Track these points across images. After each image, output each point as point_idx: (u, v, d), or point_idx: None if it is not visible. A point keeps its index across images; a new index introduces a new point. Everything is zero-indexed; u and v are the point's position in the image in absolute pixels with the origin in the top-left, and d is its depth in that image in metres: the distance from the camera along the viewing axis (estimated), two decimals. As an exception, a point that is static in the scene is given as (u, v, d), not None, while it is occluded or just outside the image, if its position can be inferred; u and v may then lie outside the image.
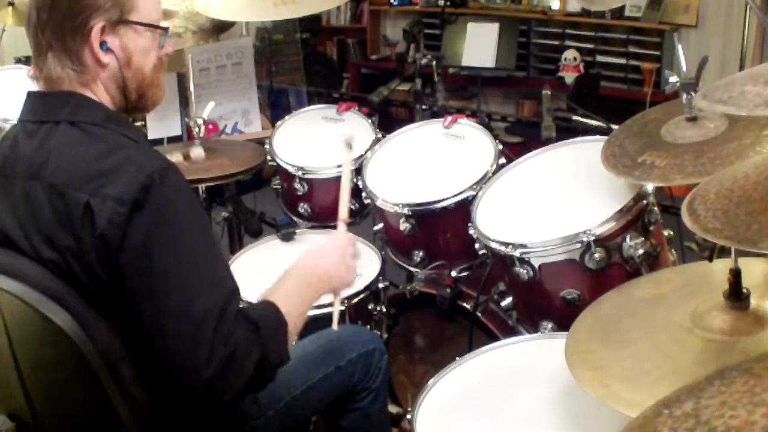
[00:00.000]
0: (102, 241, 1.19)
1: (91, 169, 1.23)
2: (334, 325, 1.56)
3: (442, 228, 2.06)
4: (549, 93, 2.19)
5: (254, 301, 2.02)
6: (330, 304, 1.59)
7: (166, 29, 1.40)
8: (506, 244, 1.72)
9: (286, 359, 1.32)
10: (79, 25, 1.29)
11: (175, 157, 2.29)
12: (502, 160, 2.06)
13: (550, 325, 1.72)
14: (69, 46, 1.30)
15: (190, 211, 1.26)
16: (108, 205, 1.19)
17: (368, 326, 2.01)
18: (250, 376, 1.24)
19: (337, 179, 2.40)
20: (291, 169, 2.40)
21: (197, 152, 2.34)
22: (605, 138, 1.73)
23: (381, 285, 2.05)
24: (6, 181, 1.32)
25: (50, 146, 1.28)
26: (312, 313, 1.92)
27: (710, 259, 1.30)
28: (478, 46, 5.30)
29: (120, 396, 1.23)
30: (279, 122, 2.67)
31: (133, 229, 1.19)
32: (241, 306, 1.28)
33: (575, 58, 5.25)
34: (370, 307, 2.03)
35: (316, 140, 2.55)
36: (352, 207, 2.43)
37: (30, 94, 1.36)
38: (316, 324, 1.88)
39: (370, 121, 2.55)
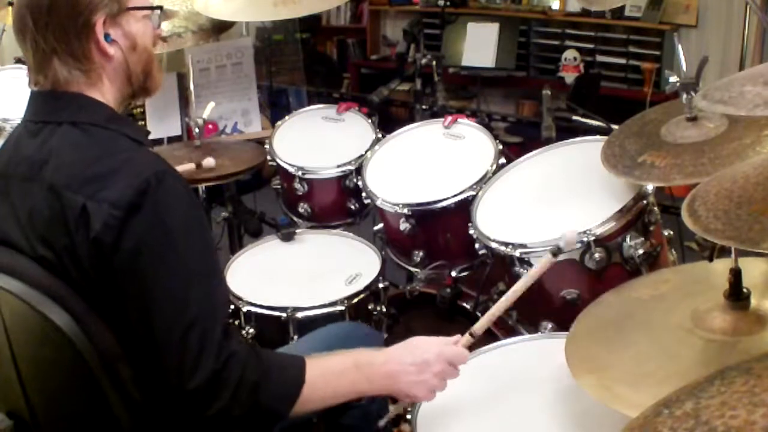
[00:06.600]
0: (96, 244, 1.19)
1: (89, 171, 1.23)
2: (381, 421, 1.47)
3: (442, 228, 2.06)
4: (549, 93, 2.18)
5: (253, 299, 2.01)
6: None
7: (161, 8, 1.42)
8: (506, 244, 1.72)
9: (282, 411, 1.27)
10: (82, 24, 1.28)
11: (187, 166, 2.30)
12: (502, 160, 2.05)
13: (550, 325, 1.72)
14: (74, 47, 1.29)
15: (186, 217, 1.25)
16: (104, 209, 1.19)
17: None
18: (241, 402, 1.22)
19: (337, 179, 2.41)
20: (291, 169, 2.40)
21: (209, 161, 2.35)
22: (605, 138, 1.74)
23: (381, 285, 2.04)
24: (8, 181, 1.32)
25: (51, 147, 1.28)
26: (312, 312, 1.93)
27: (710, 259, 1.30)
28: (478, 46, 5.30)
29: (118, 396, 1.23)
30: (279, 122, 2.67)
31: (128, 232, 1.19)
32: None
33: (575, 58, 5.25)
34: (370, 307, 2.03)
35: (316, 140, 2.55)
36: (352, 207, 2.43)
37: (34, 94, 1.35)
38: (316, 323, 1.88)
39: (370, 121, 2.54)
